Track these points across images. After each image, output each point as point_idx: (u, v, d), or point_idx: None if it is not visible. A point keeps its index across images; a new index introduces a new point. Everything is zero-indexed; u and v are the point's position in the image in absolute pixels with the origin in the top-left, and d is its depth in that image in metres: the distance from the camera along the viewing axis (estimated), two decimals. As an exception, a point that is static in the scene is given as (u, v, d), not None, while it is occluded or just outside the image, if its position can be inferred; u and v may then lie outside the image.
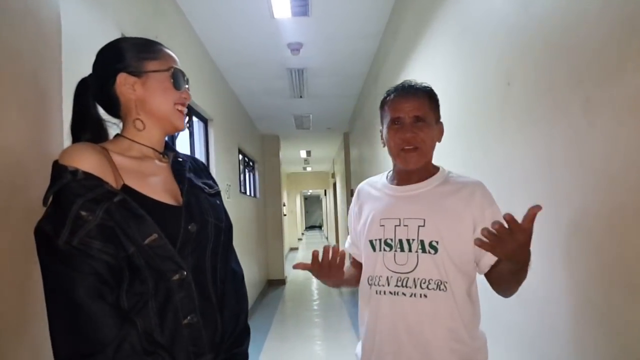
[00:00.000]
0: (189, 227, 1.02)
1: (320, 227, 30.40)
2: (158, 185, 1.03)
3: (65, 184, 0.88)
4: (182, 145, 3.86)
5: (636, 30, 1.01)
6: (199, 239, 1.03)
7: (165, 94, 1.05)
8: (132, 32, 2.48)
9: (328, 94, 6.41)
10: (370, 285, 1.28)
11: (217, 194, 1.18)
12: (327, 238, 20.00)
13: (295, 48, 4.55)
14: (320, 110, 7.36)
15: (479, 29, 1.94)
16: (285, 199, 13.97)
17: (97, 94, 1.07)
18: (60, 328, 0.87)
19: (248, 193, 7.35)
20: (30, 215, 1.10)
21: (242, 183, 6.65)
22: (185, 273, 0.97)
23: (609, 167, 1.13)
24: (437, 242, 1.21)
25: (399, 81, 1.37)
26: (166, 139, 1.14)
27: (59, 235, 0.85)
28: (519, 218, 1.20)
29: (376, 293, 1.26)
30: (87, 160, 0.91)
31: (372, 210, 1.33)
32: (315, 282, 9.08)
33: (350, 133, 8.45)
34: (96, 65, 1.07)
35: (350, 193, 8.15)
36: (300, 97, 6.31)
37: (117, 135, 1.08)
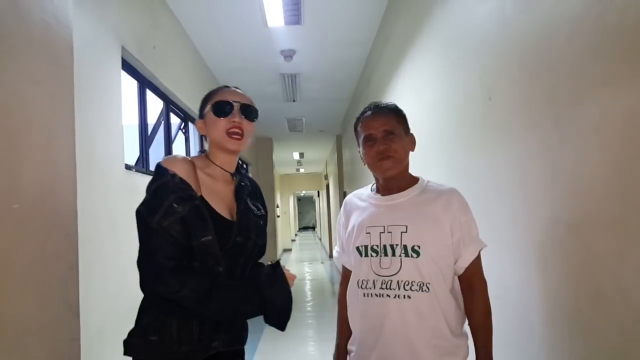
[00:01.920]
0: (237, 239, 1.27)
1: (313, 228, 30.46)
2: (222, 201, 1.29)
3: (165, 181, 1.17)
4: (179, 149, 3.95)
5: (598, 60, 1.13)
6: (241, 248, 1.30)
7: (215, 125, 1.30)
8: (132, 44, 2.57)
9: (321, 97, 6.52)
10: (359, 288, 1.40)
11: (262, 216, 1.43)
12: (320, 239, 20.08)
13: (288, 55, 4.65)
14: (313, 113, 7.47)
15: (463, 45, 2.05)
16: (278, 201, 14.05)
17: None
18: (144, 275, 1.16)
19: (242, 195, 7.40)
20: (51, 224, 1.19)
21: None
22: (220, 268, 1.22)
23: (577, 179, 1.24)
24: (419, 247, 1.32)
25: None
26: (239, 162, 1.41)
27: (153, 217, 1.13)
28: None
29: (364, 295, 1.37)
30: (183, 169, 1.21)
31: (359, 220, 1.44)
32: (308, 283, 9.16)
33: (342, 135, 8.56)
34: None
35: (343, 195, 8.25)
36: (294, 101, 6.42)
37: (202, 152, 1.37)
